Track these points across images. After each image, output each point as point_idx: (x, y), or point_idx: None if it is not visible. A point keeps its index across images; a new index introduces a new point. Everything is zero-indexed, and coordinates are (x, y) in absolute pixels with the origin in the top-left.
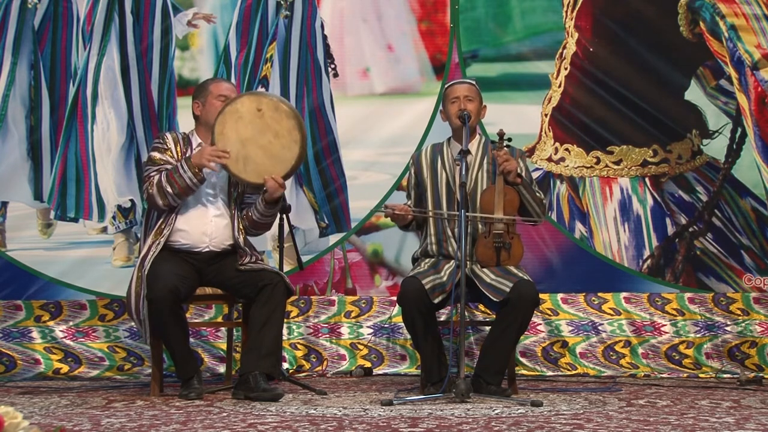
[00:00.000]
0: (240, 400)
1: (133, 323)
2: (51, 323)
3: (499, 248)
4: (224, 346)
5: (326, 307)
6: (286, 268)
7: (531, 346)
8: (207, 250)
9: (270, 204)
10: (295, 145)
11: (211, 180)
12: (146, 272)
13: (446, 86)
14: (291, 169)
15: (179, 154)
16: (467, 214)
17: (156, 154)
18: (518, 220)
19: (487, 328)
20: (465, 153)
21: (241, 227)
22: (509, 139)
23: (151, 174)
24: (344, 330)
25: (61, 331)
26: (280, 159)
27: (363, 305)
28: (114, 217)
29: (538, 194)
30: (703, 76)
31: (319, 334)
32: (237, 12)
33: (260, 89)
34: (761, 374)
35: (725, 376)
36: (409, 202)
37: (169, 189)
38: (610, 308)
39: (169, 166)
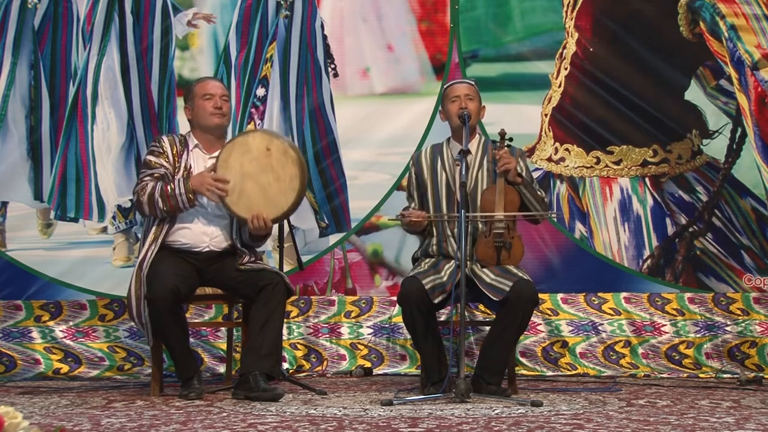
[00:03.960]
0: (240, 400)
1: (133, 323)
2: (51, 323)
3: (500, 248)
4: (224, 346)
5: (326, 307)
6: (286, 268)
7: (531, 346)
8: (207, 249)
9: (253, 238)
10: (293, 193)
11: None
12: (146, 272)
13: (446, 86)
14: (281, 215)
15: (175, 157)
16: (468, 214)
17: (152, 158)
18: (520, 216)
19: (487, 328)
20: (465, 153)
21: (241, 229)
22: (510, 139)
23: (145, 179)
24: (344, 330)
25: (61, 331)
26: (273, 203)
27: (363, 305)
28: (114, 217)
29: (539, 192)
30: (703, 76)
31: (319, 334)
32: (237, 12)
33: (275, 106)
34: (761, 374)
35: (725, 376)
36: (414, 204)
37: (160, 204)
38: (610, 308)
39: (163, 171)
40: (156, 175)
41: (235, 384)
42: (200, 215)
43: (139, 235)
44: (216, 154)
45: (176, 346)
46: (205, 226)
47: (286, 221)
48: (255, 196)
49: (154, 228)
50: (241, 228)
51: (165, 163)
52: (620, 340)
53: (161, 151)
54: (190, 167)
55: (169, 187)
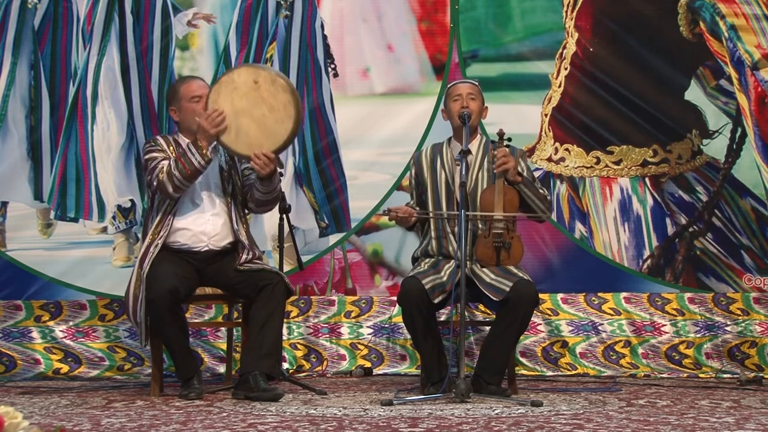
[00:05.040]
0: (240, 400)
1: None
2: (51, 323)
3: (499, 248)
4: (224, 346)
5: (326, 307)
6: (286, 268)
7: (531, 346)
8: (206, 249)
9: (264, 180)
10: (289, 119)
11: (205, 177)
12: (145, 273)
13: (449, 85)
14: (282, 144)
15: (173, 154)
16: (468, 213)
17: (154, 154)
18: (523, 216)
19: (487, 328)
20: (465, 153)
21: (241, 221)
22: (509, 139)
23: (159, 163)
24: (344, 330)
25: (61, 331)
26: (272, 133)
27: (363, 305)
28: (114, 217)
29: (541, 191)
30: (703, 76)
31: (319, 334)
32: (237, 12)
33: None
34: (761, 374)
35: (725, 376)
36: (411, 202)
37: (177, 174)
38: (610, 308)
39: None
40: (166, 157)
41: (235, 384)
42: (198, 215)
43: (139, 235)
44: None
45: (176, 347)
46: (204, 225)
47: (286, 221)
48: (252, 131)
49: (152, 228)
50: (254, 181)
51: (167, 156)
52: (620, 340)
53: (160, 148)
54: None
55: (181, 155)
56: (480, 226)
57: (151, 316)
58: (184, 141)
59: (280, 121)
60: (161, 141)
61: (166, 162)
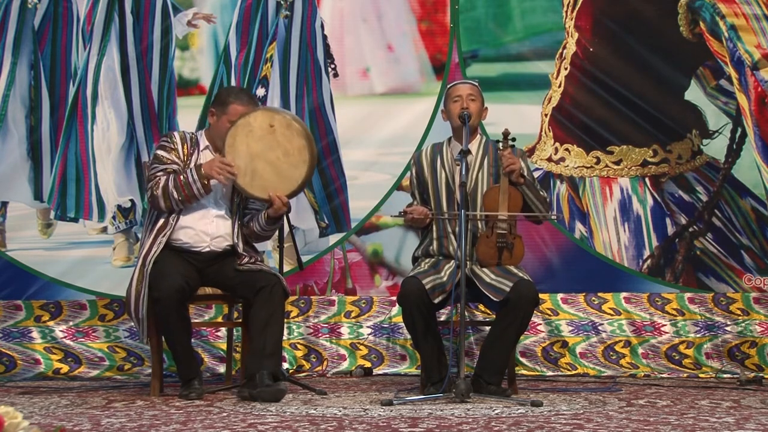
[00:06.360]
0: (240, 400)
1: (133, 323)
2: (51, 323)
3: (502, 248)
4: (224, 346)
5: (326, 307)
6: (286, 268)
7: (531, 346)
8: (208, 249)
9: (271, 220)
10: (303, 165)
11: (216, 186)
12: (149, 270)
13: (449, 86)
14: (296, 189)
15: (185, 155)
16: (474, 213)
17: (162, 153)
18: (523, 217)
19: (487, 328)
20: (465, 153)
21: (240, 233)
22: (513, 139)
23: (158, 174)
24: (344, 330)
25: (61, 331)
26: (286, 177)
27: (363, 305)
28: (114, 217)
29: (542, 193)
30: (703, 76)
31: (319, 334)
32: (237, 12)
33: (275, 105)
34: (761, 374)
35: (725, 376)
36: (414, 202)
37: (175, 195)
38: (610, 308)
39: (175, 167)
40: (168, 170)
41: (242, 384)
42: (203, 215)
43: (140, 235)
44: None
45: (179, 347)
46: (207, 226)
47: (286, 221)
48: (267, 175)
49: (156, 226)
50: (258, 215)
51: (176, 159)
52: (620, 340)
53: (172, 147)
54: (200, 167)
55: (182, 177)
56: (481, 226)
57: (157, 315)
58: (203, 142)
59: (294, 165)
60: (176, 138)
61: (163, 177)
